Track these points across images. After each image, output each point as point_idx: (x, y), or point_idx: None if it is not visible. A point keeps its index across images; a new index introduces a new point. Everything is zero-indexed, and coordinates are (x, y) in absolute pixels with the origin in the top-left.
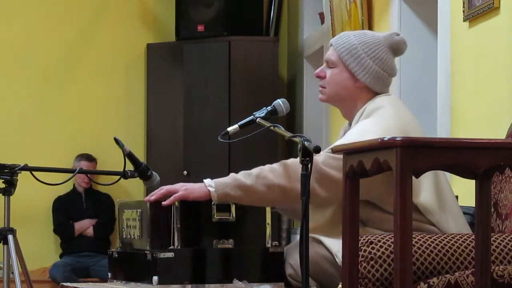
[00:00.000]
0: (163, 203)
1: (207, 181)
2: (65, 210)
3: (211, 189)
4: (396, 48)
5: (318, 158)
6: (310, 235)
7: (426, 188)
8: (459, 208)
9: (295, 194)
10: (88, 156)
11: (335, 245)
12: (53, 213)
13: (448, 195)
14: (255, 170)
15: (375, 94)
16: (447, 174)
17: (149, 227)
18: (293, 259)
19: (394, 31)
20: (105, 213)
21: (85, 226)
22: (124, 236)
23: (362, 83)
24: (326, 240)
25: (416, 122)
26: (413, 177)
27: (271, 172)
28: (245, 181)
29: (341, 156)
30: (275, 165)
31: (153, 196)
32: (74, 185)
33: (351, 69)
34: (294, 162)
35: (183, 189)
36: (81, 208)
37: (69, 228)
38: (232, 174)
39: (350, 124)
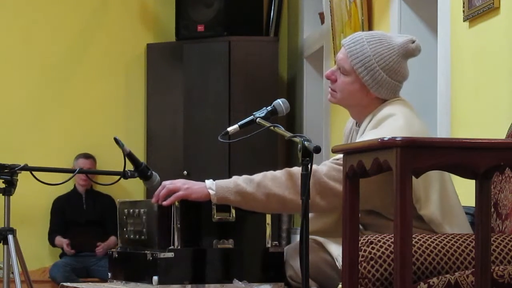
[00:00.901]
0: (164, 203)
1: (209, 182)
2: (62, 213)
3: (211, 192)
4: (410, 55)
5: (322, 169)
6: (312, 237)
7: (434, 201)
8: (466, 219)
9: (294, 205)
10: (85, 154)
11: (337, 249)
12: (50, 215)
13: (456, 207)
14: (257, 177)
15: (385, 100)
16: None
17: (152, 228)
18: (294, 261)
19: (410, 38)
20: (110, 219)
21: (61, 244)
22: (125, 236)
23: (374, 95)
24: (328, 244)
25: (426, 128)
26: (421, 189)
27: (273, 181)
28: (246, 187)
29: None
30: (279, 173)
31: (158, 198)
32: (74, 185)
33: (364, 82)
34: (297, 172)
35: (185, 188)
36: (81, 209)
37: (52, 238)
38: (234, 178)
39: (357, 125)
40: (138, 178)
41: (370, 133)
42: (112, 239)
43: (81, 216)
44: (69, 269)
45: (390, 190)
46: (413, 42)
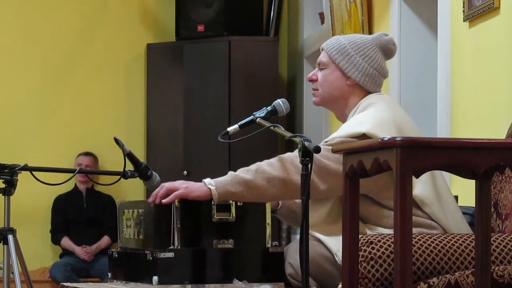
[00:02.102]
0: (163, 201)
1: (207, 180)
2: (63, 211)
3: (212, 188)
4: (386, 48)
5: None
6: (310, 234)
7: (422, 180)
8: (454, 200)
9: (295, 185)
10: (85, 152)
11: (335, 244)
12: (51, 214)
13: (444, 188)
14: (253, 166)
15: (367, 93)
16: (447, 174)
17: (152, 228)
18: (293, 259)
19: (383, 32)
20: (108, 218)
21: (72, 248)
22: (124, 236)
23: (353, 80)
24: (326, 240)
25: (409, 118)
26: None
27: (269, 166)
28: (245, 176)
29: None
30: (272, 160)
31: (157, 198)
32: (75, 184)
33: (341, 67)
34: (291, 155)
35: (184, 187)
36: (81, 208)
37: (58, 238)
38: (230, 172)
39: None
40: (138, 178)
41: (355, 116)
42: (105, 239)
43: (81, 215)
44: (69, 268)
45: (385, 174)
46: (386, 35)
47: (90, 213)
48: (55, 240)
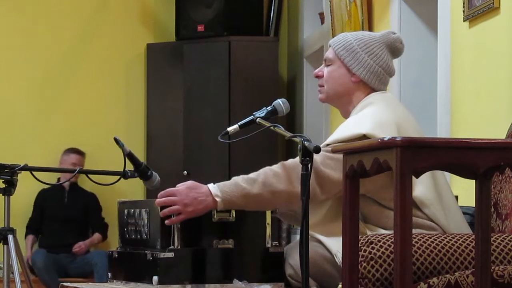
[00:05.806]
0: (166, 222)
1: (213, 190)
2: (40, 208)
3: (218, 200)
4: (393, 46)
5: (316, 158)
6: (310, 234)
7: (423, 181)
8: (455, 201)
9: (299, 198)
10: (72, 149)
11: (335, 245)
12: (32, 207)
13: (445, 189)
14: (260, 177)
15: (371, 90)
16: (447, 174)
17: (152, 228)
18: (293, 259)
19: (390, 30)
20: (95, 216)
21: (27, 251)
22: (125, 236)
23: (358, 77)
24: (326, 240)
25: (411, 117)
26: None
27: (275, 178)
28: (251, 189)
29: (339, 155)
30: (277, 169)
31: (162, 213)
32: (58, 179)
33: (346, 63)
34: (295, 165)
35: (189, 211)
36: (62, 203)
37: (26, 233)
38: (236, 181)
39: None
40: (138, 178)
41: (351, 117)
42: (96, 236)
43: (61, 211)
44: (52, 261)
45: (383, 175)
46: (394, 33)
47: (71, 210)
48: (25, 235)
